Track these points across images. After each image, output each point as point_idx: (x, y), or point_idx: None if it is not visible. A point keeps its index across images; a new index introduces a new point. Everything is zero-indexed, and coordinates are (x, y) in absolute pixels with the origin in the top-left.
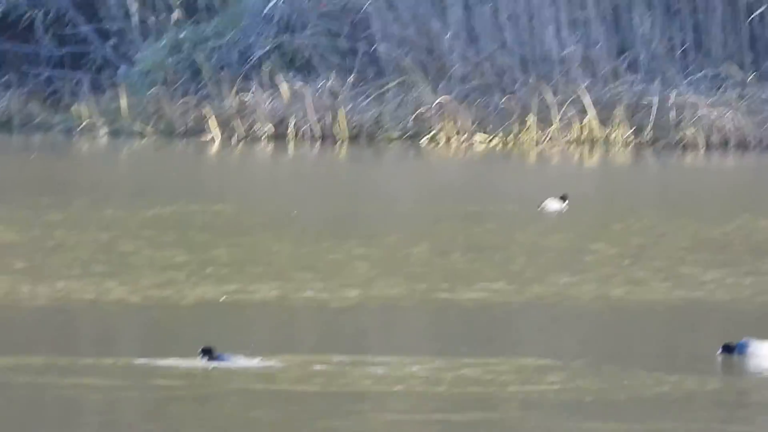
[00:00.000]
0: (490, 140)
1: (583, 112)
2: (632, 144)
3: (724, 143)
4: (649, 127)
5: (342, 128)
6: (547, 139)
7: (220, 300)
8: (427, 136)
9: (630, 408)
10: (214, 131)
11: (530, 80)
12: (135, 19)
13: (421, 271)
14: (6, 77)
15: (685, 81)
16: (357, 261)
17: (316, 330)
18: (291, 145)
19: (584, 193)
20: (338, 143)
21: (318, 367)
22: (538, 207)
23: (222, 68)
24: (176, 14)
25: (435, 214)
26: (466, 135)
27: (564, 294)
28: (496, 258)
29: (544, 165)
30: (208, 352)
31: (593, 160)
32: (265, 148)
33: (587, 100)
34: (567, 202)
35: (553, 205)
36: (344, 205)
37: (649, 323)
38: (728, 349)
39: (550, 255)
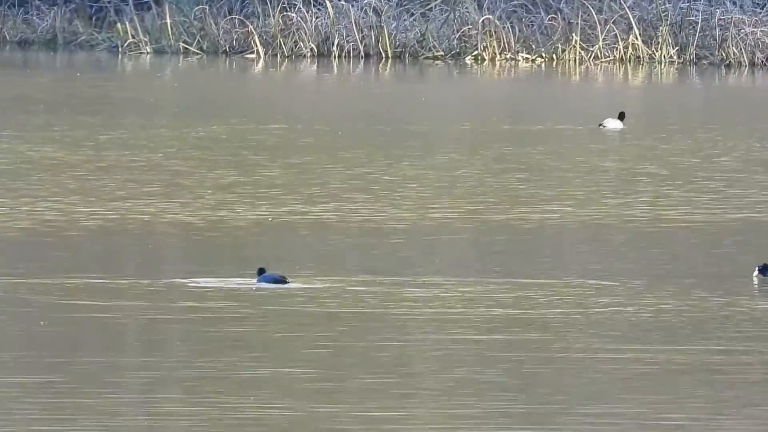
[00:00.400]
0: (534, 59)
1: (627, 30)
2: (676, 63)
3: (765, 62)
4: (693, 46)
5: (386, 47)
6: (591, 57)
7: (269, 220)
8: (472, 55)
9: (675, 328)
10: (259, 49)
11: None
12: None
13: (474, 192)
14: None
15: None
16: (409, 182)
17: (367, 251)
18: (334, 64)
19: (633, 113)
20: (381, 62)
21: (364, 288)
22: (599, 125)
23: None
24: None
25: (484, 133)
26: (510, 54)
27: (618, 215)
28: (549, 178)
29: (588, 84)
30: (261, 272)
31: (637, 79)
32: (309, 66)
33: (632, 19)
34: (624, 120)
35: (613, 123)
36: (393, 124)
37: (701, 243)
38: (765, 270)
39: (604, 176)
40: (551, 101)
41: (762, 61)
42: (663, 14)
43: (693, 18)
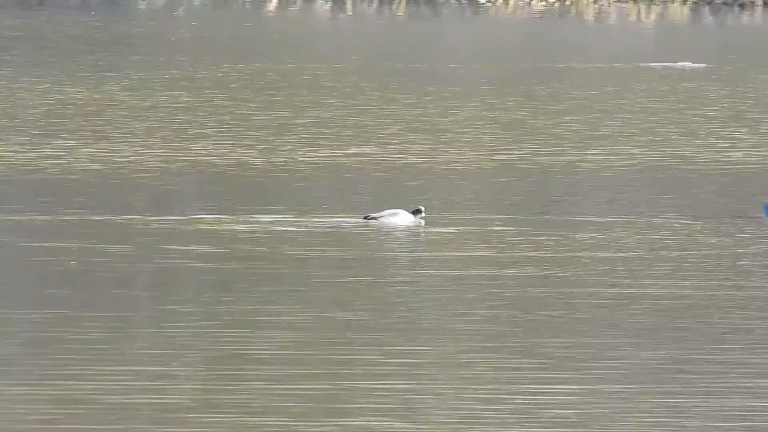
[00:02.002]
0: None
1: None
2: (690, 2)
3: None
4: None
5: None
6: None
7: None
8: None
9: (694, 266)
10: None
11: None
12: None
13: (508, 133)
14: None
15: None
16: (465, 124)
17: (389, 191)
18: (349, 4)
19: (642, 51)
20: (395, 1)
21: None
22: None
23: None
24: None
25: (512, 72)
26: None
27: (639, 157)
28: (578, 119)
29: (603, 23)
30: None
31: (650, 18)
32: (324, 5)
33: None
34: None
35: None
36: (420, 64)
37: (725, 183)
38: None
39: (627, 117)
40: (566, 40)
41: None
42: None
43: None
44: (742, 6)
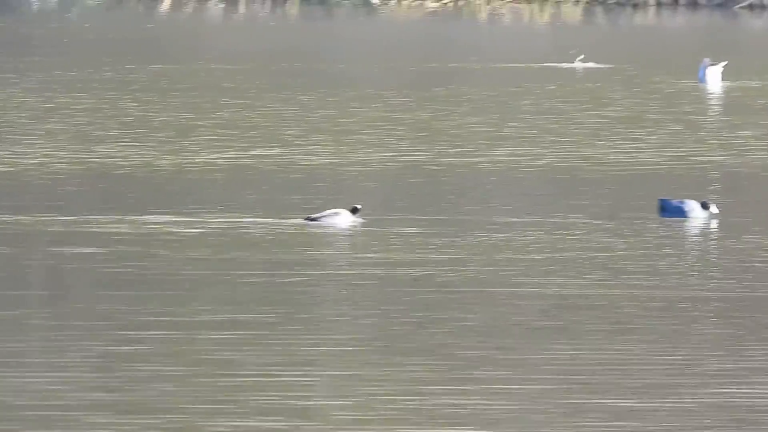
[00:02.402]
0: None
1: None
2: (583, 2)
3: (675, 1)
4: None
5: None
6: None
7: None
8: None
9: (594, 265)
10: None
11: None
12: None
13: (413, 134)
14: None
15: None
16: (351, 124)
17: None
18: (242, 3)
19: (541, 51)
20: (288, 1)
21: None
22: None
23: None
24: None
25: (410, 73)
26: None
27: (544, 158)
28: (482, 120)
29: (497, 23)
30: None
31: (544, 18)
32: (216, 6)
33: None
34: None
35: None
36: (321, 65)
37: (629, 183)
38: (705, 205)
39: (531, 117)
40: (468, 41)
41: (669, 0)
42: None
43: None
44: (635, 6)
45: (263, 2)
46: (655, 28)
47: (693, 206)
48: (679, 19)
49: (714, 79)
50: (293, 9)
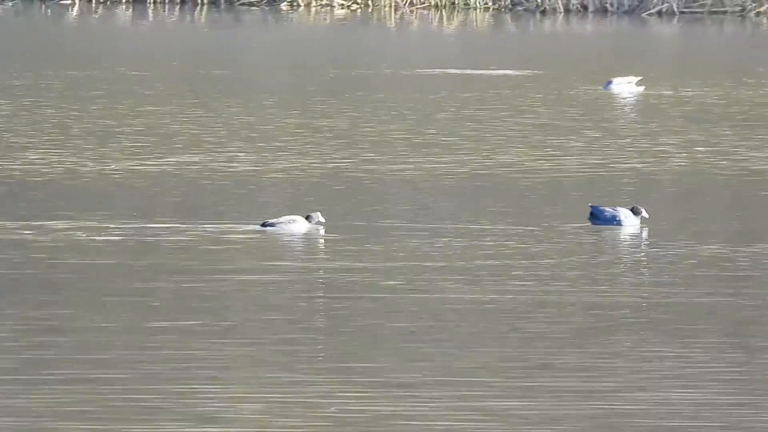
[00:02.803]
0: (350, 5)
1: None
2: (491, 9)
3: (583, 7)
4: None
5: None
6: (407, 3)
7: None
8: (287, 1)
9: (515, 271)
10: None
11: None
12: None
13: (334, 140)
14: None
15: None
16: (270, 131)
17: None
18: (150, 9)
19: (456, 57)
20: (197, 7)
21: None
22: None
23: None
24: None
25: (323, 79)
26: (326, 0)
27: (468, 165)
28: (403, 126)
29: (405, 29)
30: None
31: (453, 24)
32: (125, 12)
33: None
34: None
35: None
36: (234, 71)
37: (554, 190)
38: (635, 211)
39: (453, 124)
40: (379, 47)
41: (577, 7)
42: None
43: None
44: (543, 13)
45: (172, 9)
46: (565, 35)
47: (624, 213)
48: (589, 26)
49: (623, 87)
50: (202, 15)
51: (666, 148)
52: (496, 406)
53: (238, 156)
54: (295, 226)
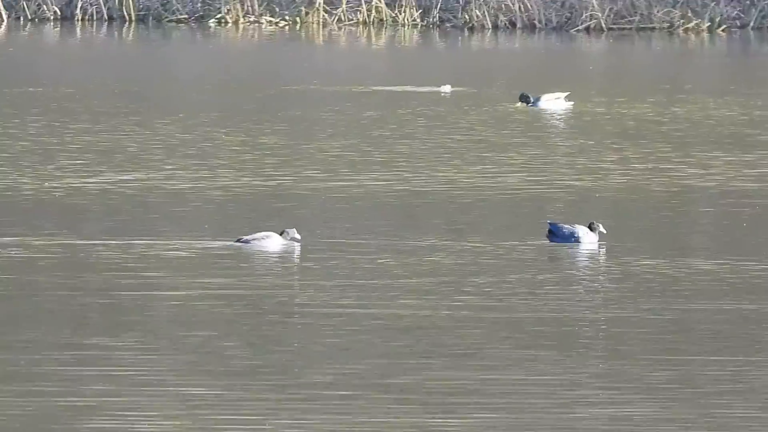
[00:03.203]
0: (278, 22)
1: None
2: (419, 25)
3: (512, 24)
4: (436, 9)
5: (129, 10)
6: (335, 20)
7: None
8: (215, 18)
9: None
10: (1, 12)
11: None
12: None
13: (277, 158)
14: None
15: None
16: (210, 148)
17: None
18: (78, 27)
19: (390, 74)
20: (125, 25)
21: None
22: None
23: None
24: None
25: (256, 96)
26: (253, 17)
27: (411, 182)
28: (344, 144)
29: (333, 46)
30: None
31: (381, 41)
32: (53, 29)
33: None
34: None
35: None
36: (165, 88)
37: (499, 207)
38: (591, 227)
39: (393, 141)
40: (310, 63)
41: (505, 24)
42: None
43: None
44: (471, 29)
45: (100, 26)
46: (494, 51)
47: (582, 230)
48: (517, 42)
49: (552, 104)
50: (130, 32)
51: (602, 164)
52: (431, 422)
53: (175, 173)
54: (269, 242)
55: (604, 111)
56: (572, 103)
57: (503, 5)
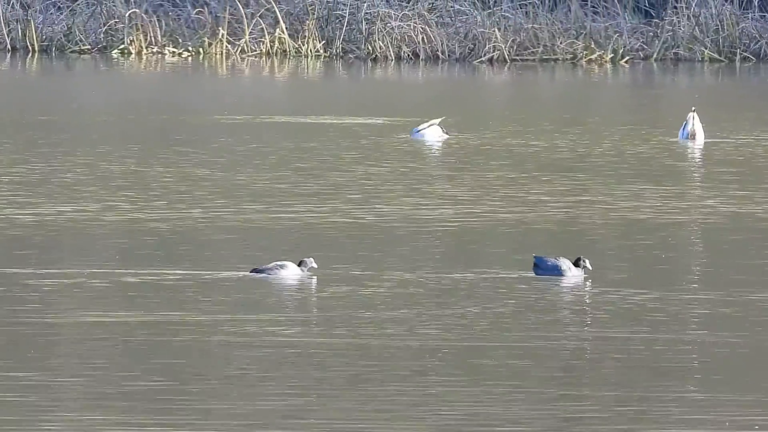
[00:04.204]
0: (181, 53)
1: (274, 24)
2: (323, 57)
3: (415, 55)
4: (339, 40)
5: (32, 40)
6: (238, 51)
7: None
8: (118, 49)
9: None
10: None
11: None
12: None
13: (181, 188)
14: None
15: None
16: (122, 177)
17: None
18: None
19: (278, 103)
20: (29, 55)
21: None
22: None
23: None
24: None
25: (161, 126)
26: (157, 47)
27: (342, 212)
28: (272, 176)
29: (235, 77)
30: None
31: (284, 72)
32: None
33: (278, 13)
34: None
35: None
36: (67, 118)
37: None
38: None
39: (318, 173)
40: (198, 94)
41: (408, 55)
42: (310, 8)
43: (340, 12)
44: (375, 60)
45: (2, 57)
46: (397, 82)
47: (566, 263)
48: (420, 73)
49: (434, 134)
50: (33, 63)
51: (527, 195)
52: None
53: (85, 204)
54: (286, 272)
55: (505, 142)
56: (446, 133)
57: (406, 36)
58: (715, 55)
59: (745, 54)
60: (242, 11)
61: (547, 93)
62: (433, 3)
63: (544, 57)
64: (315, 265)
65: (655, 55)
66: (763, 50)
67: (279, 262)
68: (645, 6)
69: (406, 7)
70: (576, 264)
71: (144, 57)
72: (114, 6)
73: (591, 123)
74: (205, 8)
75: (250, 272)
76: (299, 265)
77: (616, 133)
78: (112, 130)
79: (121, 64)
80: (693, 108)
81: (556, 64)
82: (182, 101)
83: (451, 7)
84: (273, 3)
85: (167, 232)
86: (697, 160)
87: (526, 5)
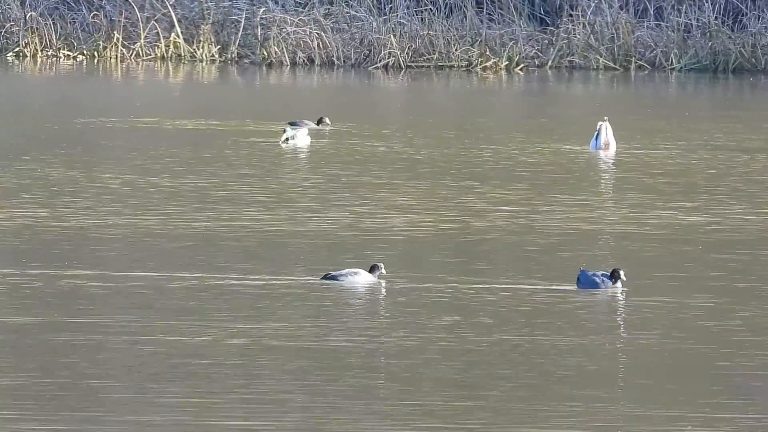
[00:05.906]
0: (76, 56)
1: (169, 28)
2: (218, 61)
3: (310, 61)
4: (235, 45)
5: None
6: (133, 55)
7: None
8: (13, 52)
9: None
10: None
11: None
12: None
13: (109, 195)
14: None
15: None
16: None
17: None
18: None
19: (176, 109)
20: None
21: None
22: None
23: None
24: None
25: (57, 131)
26: (52, 50)
27: (297, 221)
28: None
29: (130, 81)
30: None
31: (179, 77)
32: None
33: (174, 17)
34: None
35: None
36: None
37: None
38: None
39: (254, 181)
40: (93, 98)
41: (303, 61)
42: (205, 12)
43: (235, 17)
44: (270, 65)
45: None
46: (292, 88)
47: (603, 277)
48: (315, 79)
49: (303, 139)
50: None
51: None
52: None
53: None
54: (358, 278)
55: (399, 148)
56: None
57: (301, 42)
58: (610, 64)
59: (640, 62)
60: (138, 15)
61: (441, 99)
62: (329, 9)
63: (440, 64)
64: (384, 272)
65: (550, 63)
66: (658, 59)
67: (352, 269)
68: (540, 14)
69: (302, 12)
70: (613, 276)
71: (39, 60)
72: (9, 9)
73: (480, 131)
74: (101, 12)
75: (323, 278)
76: (371, 270)
77: (503, 140)
78: (7, 133)
79: (16, 67)
80: (605, 118)
81: (451, 71)
82: (73, 104)
83: (347, 12)
84: (169, 7)
85: (58, 235)
86: (613, 169)
87: (422, 12)
